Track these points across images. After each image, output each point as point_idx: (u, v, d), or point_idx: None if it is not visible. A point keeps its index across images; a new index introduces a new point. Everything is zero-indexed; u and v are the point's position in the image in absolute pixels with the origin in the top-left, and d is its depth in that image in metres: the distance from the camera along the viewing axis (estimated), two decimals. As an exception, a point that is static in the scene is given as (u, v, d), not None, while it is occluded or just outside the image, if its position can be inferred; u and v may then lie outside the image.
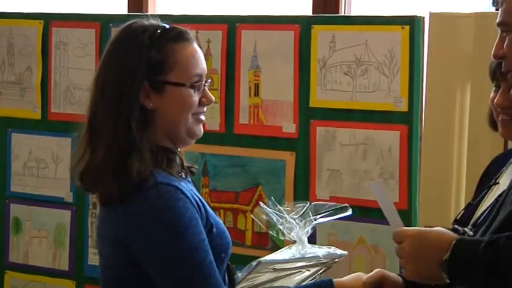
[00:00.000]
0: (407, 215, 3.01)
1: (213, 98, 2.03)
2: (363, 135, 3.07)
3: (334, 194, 3.11)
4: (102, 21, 3.47)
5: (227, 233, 2.00)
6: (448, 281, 1.74)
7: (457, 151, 3.03)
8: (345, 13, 3.35)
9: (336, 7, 3.38)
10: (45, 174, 3.60)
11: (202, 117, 2.02)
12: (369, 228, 3.07)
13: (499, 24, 1.80)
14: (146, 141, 1.92)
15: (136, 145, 1.90)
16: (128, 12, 3.78)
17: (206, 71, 2.02)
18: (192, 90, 1.96)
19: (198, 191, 2.07)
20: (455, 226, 2.05)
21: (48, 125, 3.58)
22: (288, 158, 3.19)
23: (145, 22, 2.02)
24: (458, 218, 2.17)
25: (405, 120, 3.00)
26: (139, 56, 1.93)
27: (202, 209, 1.94)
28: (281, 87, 3.19)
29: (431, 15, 3.03)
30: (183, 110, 1.96)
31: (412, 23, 2.97)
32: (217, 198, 3.31)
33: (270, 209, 2.07)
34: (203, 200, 1.99)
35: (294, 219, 2.05)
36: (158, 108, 1.95)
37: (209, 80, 2.05)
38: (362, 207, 3.07)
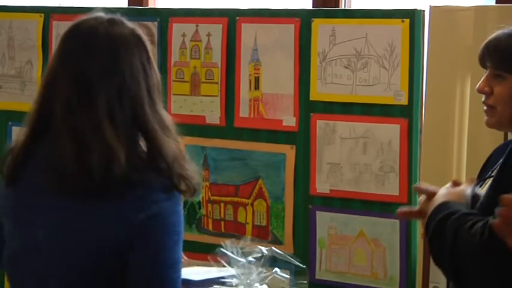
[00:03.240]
0: (407, 208, 3.02)
1: None
2: (363, 129, 3.07)
3: (334, 187, 3.11)
4: (102, 15, 3.47)
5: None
6: None
7: (457, 144, 3.03)
8: (345, 6, 3.35)
9: (336, 0, 3.37)
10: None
11: None
12: (369, 221, 3.07)
13: None
14: None
15: None
16: (128, 5, 3.78)
17: None
18: None
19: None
20: None
21: (48, 118, 3.58)
22: (288, 152, 3.20)
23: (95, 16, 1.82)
24: None
25: (405, 113, 3.01)
26: None
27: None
28: (281, 80, 3.20)
29: (432, 8, 3.02)
30: None
31: (412, 16, 2.98)
32: (217, 192, 3.32)
33: (229, 251, 2.03)
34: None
35: (251, 265, 2.02)
36: None
37: None
38: (362, 200, 3.08)
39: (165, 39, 3.39)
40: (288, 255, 2.24)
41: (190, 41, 3.33)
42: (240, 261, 2.05)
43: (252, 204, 3.27)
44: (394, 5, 3.09)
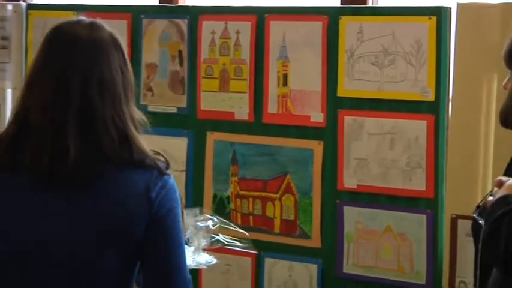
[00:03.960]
0: (434, 204, 3.04)
1: None
2: (390, 125, 3.10)
3: (362, 182, 3.14)
4: (133, 13, 3.52)
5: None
6: None
7: (483, 140, 3.04)
8: (372, 4, 3.37)
9: (363, -2, 3.39)
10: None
11: None
12: (396, 216, 3.10)
13: None
14: None
15: None
16: (159, 3, 3.83)
17: None
18: None
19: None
20: (475, 216, 2.07)
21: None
22: (316, 147, 3.23)
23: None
24: (480, 204, 2.19)
25: (432, 110, 3.03)
26: None
27: None
28: (309, 77, 3.23)
29: (459, 5, 3.04)
30: None
31: (439, 13, 3.00)
32: (246, 187, 3.36)
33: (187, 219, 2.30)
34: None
35: (202, 228, 2.33)
36: None
37: None
38: (389, 195, 3.11)
39: (195, 36, 3.44)
40: (231, 222, 2.48)
41: (220, 38, 3.38)
42: (194, 226, 2.32)
43: (280, 199, 3.31)
44: (421, 2, 3.11)
